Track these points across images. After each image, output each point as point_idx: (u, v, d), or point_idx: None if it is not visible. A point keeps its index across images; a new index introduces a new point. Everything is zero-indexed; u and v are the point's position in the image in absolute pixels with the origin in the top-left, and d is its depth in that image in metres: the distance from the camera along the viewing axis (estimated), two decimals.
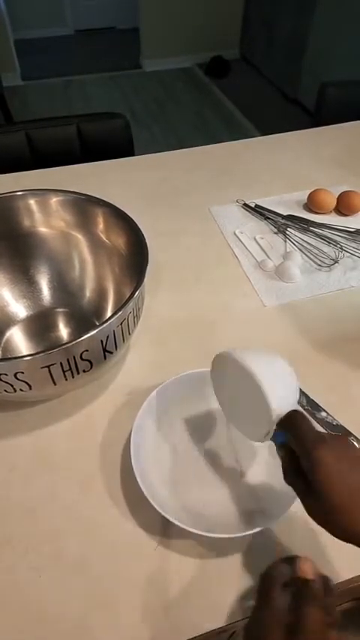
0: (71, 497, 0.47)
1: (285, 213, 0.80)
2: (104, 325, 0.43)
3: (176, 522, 0.41)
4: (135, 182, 0.88)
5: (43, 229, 0.62)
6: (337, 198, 0.81)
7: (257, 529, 0.41)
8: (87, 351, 0.44)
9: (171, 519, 0.41)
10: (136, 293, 0.46)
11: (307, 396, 0.55)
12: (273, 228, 0.79)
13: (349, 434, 0.52)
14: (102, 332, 0.44)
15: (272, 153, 0.97)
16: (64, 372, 0.45)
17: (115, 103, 3.13)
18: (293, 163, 0.94)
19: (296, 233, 0.78)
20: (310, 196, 0.81)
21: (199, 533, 0.41)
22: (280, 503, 0.43)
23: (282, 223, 0.79)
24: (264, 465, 0.49)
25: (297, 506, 0.46)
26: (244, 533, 0.41)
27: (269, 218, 0.81)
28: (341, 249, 0.74)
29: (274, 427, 0.37)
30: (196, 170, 0.92)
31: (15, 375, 0.43)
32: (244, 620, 0.41)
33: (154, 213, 0.81)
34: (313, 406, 0.54)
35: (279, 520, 0.42)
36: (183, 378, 0.51)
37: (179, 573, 0.43)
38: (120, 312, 0.45)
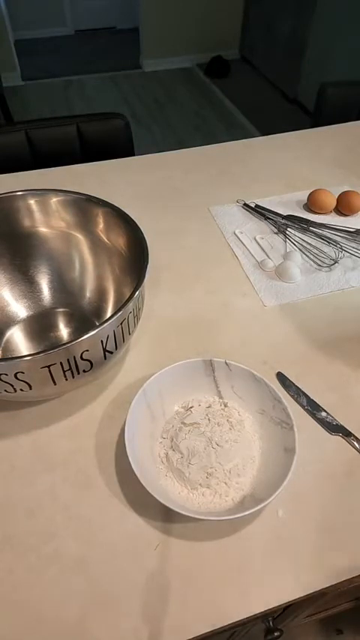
0: (71, 497, 0.47)
1: (285, 213, 0.80)
2: (104, 325, 0.43)
3: (177, 509, 0.41)
4: (135, 182, 0.88)
5: (43, 229, 0.62)
6: (337, 199, 0.81)
7: (250, 510, 0.41)
8: (87, 351, 0.44)
9: (171, 507, 0.41)
10: (136, 293, 0.46)
11: (307, 396, 0.55)
12: (273, 228, 0.79)
13: (350, 434, 0.52)
14: (102, 332, 0.44)
15: (272, 153, 0.97)
16: (64, 372, 0.45)
17: (115, 103, 3.13)
18: (293, 163, 0.94)
19: (296, 233, 0.78)
20: (310, 196, 0.81)
21: (200, 517, 0.41)
22: (269, 488, 0.44)
23: (282, 223, 0.79)
24: (257, 452, 0.49)
25: (300, 506, 0.46)
26: (241, 514, 0.42)
27: (269, 218, 0.81)
28: (341, 249, 0.74)
29: None
30: (196, 170, 0.92)
31: (15, 375, 0.43)
32: (244, 620, 0.41)
33: (154, 213, 0.81)
34: (313, 406, 0.55)
35: (279, 516, 0.42)
36: (176, 368, 0.52)
37: (179, 573, 0.43)
38: (120, 312, 0.45)
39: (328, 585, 0.42)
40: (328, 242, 0.75)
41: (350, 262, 0.73)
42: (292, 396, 0.56)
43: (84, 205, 0.59)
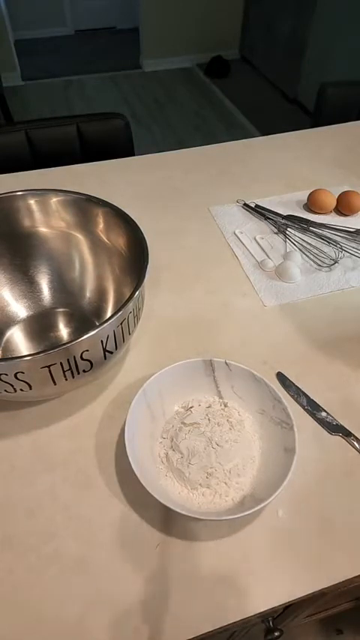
0: (71, 497, 0.47)
1: (285, 213, 0.80)
2: (104, 325, 0.43)
3: (177, 509, 0.41)
4: (135, 182, 0.88)
5: (43, 229, 0.62)
6: (337, 199, 0.81)
7: (250, 511, 0.41)
8: (87, 351, 0.44)
9: (171, 507, 0.41)
10: (136, 293, 0.46)
11: (307, 397, 0.55)
12: (273, 228, 0.79)
13: (350, 434, 0.52)
14: (102, 332, 0.44)
15: (272, 153, 0.97)
16: (64, 372, 0.45)
17: (115, 103, 3.13)
18: (293, 163, 0.94)
19: (296, 233, 0.78)
20: (310, 196, 0.81)
21: (200, 517, 0.41)
22: (269, 488, 0.44)
23: (282, 223, 0.79)
24: (257, 452, 0.49)
25: (300, 506, 0.46)
26: (241, 514, 0.41)
27: (269, 218, 0.80)
28: (341, 249, 0.74)
29: None
30: (196, 170, 0.92)
31: (15, 375, 0.43)
32: (244, 619, 0.41)
33: (154, 213, 0.81)
34: (313, 406, 0.55)
35: (279, 516, 0.42)
36: (176, 368, 0.52)
37: (179, 573, 0.43)
38: (120, 312, 0.45)
39: (328, 585, 0.42)
40: (328, 242, 0.75)
41: (350, 262, 0.73)
42: (292, 396, 0.56)
43: (84, 205, 0.59)
